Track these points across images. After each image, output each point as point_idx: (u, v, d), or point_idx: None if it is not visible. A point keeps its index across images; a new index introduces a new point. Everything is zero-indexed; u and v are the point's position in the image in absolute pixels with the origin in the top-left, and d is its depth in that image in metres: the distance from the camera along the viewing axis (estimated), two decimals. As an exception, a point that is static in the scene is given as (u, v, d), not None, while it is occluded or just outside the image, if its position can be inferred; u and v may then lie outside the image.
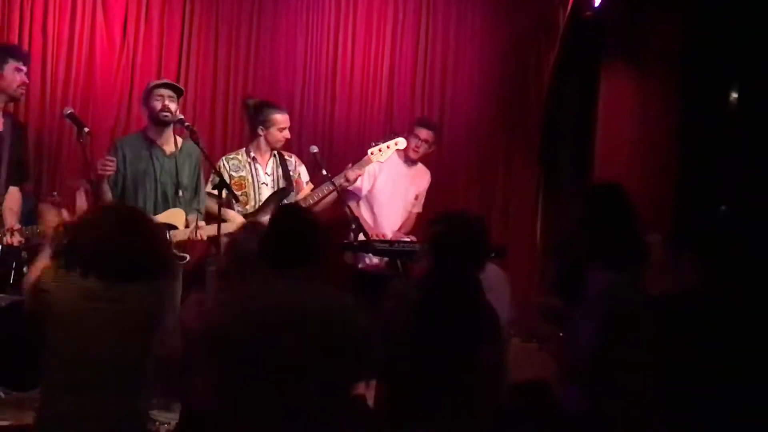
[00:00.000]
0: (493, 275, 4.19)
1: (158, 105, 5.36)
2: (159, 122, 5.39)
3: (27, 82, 4.85)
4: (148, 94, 5.39)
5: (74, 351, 3.35)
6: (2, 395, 5.58)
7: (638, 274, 3.77)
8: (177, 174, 5.44)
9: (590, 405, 3.52)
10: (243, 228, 4.34)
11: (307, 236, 3.49)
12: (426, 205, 6.88)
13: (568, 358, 3.68)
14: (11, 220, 4.81)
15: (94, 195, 5.20)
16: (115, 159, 5.19)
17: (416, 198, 6.65)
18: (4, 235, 4.74)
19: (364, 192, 6.44)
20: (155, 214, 5.34)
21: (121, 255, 3.33)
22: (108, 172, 5.12)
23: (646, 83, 7.59)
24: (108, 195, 5.22)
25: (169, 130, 5.44)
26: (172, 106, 5.40)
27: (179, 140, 5.50)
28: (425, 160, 6.83)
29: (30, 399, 5.59)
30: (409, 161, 6.56)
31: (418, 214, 6.72)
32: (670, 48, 7.40)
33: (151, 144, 5.42)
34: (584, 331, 3.55)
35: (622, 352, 3.54)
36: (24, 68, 4.80)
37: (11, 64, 4.77)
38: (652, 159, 7.47)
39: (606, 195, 3.85)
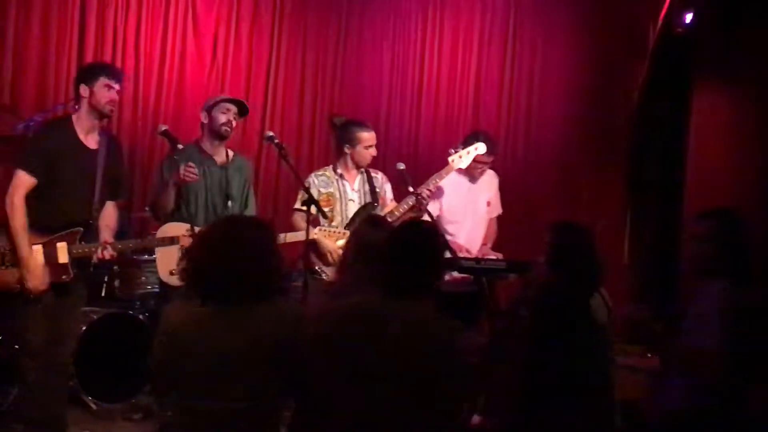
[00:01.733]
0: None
1: (223, 118, 5.40)
2: (217, 135, 5.44)
3: (116, 99, 4.89)
4: (214, 106, 5.44)
5: (198, 383, 3.25)
6: (93, 407, 5.69)
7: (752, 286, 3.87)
8: (227, 185, 5.48)
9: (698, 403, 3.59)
10: (366, 221, 4.39)
11: (431, 258, 3.47)
12: (514, 218, 6.81)
13: (697, 363, 3.71)
14: (106, 236, 4.89)
15: (165, 200, 5.25)
16: (195, 167, 5.24)
17: (489, 204, 6.55)
18: (98, 249, 4.83)
19: (435, 215, 6.38)
20: (204, 224, 5.29)
21: (235, 279, 3.24)
22: (190, 179, 5.18)
23: (739, 100, 7.41)
24: (170, 202, 5.27)
25: (223, 144, 5.50)
26: (234, 122, 5.45)
27: (230, 153, 5.54)
28: (505, 173, 6.74)
29: (119, 410, 5.71)
30: (474, 180, 6.45)
31: (499, 217, 6.65)
32: (764, 63, 7.22)
33: (204, 155, 5.46)
34: (710, 337, 3.66)
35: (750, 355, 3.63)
36: (115, 86, 4.84)
37: (102, 81, 4.82)
38: (745, 176, 7.28)
39: (732, 217, 3.99)
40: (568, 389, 3.38)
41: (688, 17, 7.05)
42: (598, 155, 7.91)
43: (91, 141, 4.89)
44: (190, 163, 5.17)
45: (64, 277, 4.74)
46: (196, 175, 5.16)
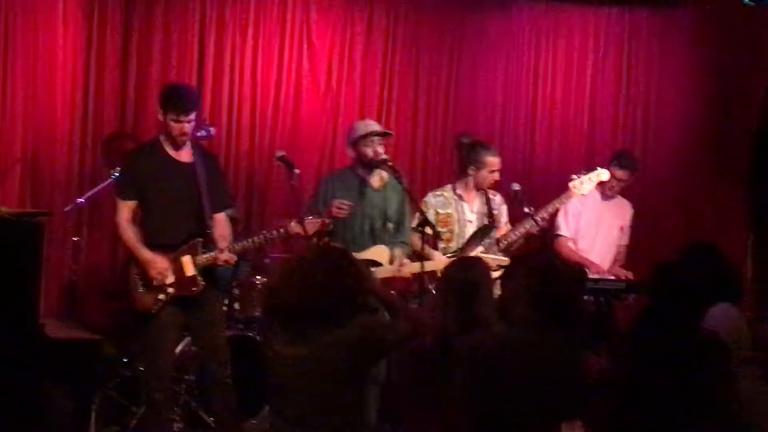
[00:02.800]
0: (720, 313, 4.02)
1: (369, 152, 5.51)
2: (368, 165, 5.54)
3: (186, 131, 4.95)
4: (360, 140, 5.53)
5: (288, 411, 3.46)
6: (214, 426, 5.78)
7: None
8: (386, 208, 5.55)
9: None
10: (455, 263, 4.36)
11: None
12: (633, 239, 6.73)
13: None
14: (222, 245, 5.01)
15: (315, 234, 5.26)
16: (350, 204, 5.34)
17: (621, 230, 6.51)
18: (218, 255, 4.93)
19: (572, 233, 6.38)
20: (362, 248, 5.47)
21: (314, 305, 3.38)
22: (343, 214, 5.29)
23: None
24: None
25: (376, 169, 5.58)
26: (380, 150, 5.53)
27: (385, 175, 5.61)
28: (626, 191, 6.67)
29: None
30: (607, 197, 6.44)
31: (627, 246, 6.60)
32: None
33: (360, 179, 5.56)
34: None
35: None
36: (183, 119, 4.90)
37: (168, 115, 4.95)
38: None
39: None
40: None
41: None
42: (719, 173, 7.72)
43: (185, 155, 5.03)
44: (344, 202, 5.27)
45: (194, 289, 4.91)
46: (348, 210, 5.26)
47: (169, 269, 4.89)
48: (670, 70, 7.80)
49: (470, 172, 5.84)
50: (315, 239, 5.10)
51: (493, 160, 5.85)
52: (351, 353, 3.39)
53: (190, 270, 4.92)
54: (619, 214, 6.52)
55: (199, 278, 4.92)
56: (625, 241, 6.57)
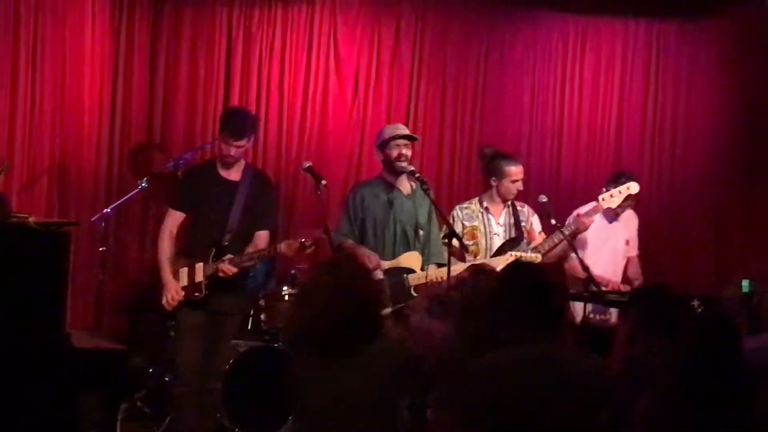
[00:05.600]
0: None
1: (394, 153, 5.47)
2: (394, 169, 5.52)
3: (233, 155, 5.26)
4: (386, 142, 5.51)
5: None
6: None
7: None
8: (416, 214, 5.53)
9: None
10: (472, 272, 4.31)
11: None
12: (659, 255, 6.66)
13: None
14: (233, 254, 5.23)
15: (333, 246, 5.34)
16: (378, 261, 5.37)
17: (627, 243, 6.43)
18: (219, 266, 5.14)
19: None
20: (395, 255, 5.46)
21: (329, 332, 3.30)
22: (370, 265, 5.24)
23: None
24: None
25: (404, 175, 5.57)
26: (407, 153, 5.51)
27: (413, 183, 5.60)
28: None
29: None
30: (612, 219, 6.32)
31: (643, 256, 6.52)
32: None
33: (390, 186, 5.54)
34: None
35: None
36: (233, 143, 5.22)
37: (222, 137, 5.31)
38: None
39: None
40: None
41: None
42: (750, 186, 7.63)
43: (234, 174, 5.36)
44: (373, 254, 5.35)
45: (196, 294, 5.22)
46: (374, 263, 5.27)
47: (180, 294, 5.24)
48: (699, 82, 7.74)
49: (493, 182, 5.82)
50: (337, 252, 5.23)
51: (514, 170, 5.81)
52: (389, 372, 3.30)
53: (199, 276, 5.22)
54: (624, 228, 6.42)
55: (203, 286, 5.19)
56: (633, 252, 6.47)
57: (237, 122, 5.35)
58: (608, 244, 6.30)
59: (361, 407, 3.28)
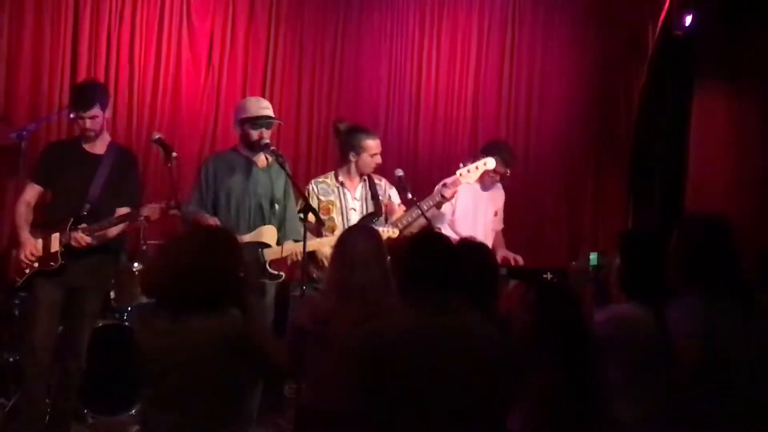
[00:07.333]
0: None
1: (255, 135, 5.39)
2: (252, 147, 5.43)
3: (89, 126, 5.18)
4: (247, 121, 5.39)
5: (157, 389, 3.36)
6: (90, 420, 5.63)
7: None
8: (273, 188, 5.45)
9: None
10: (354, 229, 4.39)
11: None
12: (516, 227, 6.78)
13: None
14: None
15: (184, 220, 5.29)
16: None
17: (495, 215, 6.53)
18: (72, 234, 5.06)
19: (447, 220, 6.32)
20: (251, 229, 5.37)
21: (183, 287, 3.30)
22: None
23: (741, 102, 7.35)
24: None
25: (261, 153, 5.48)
26: (266, 134, 5.42)
27: (269, 157, 5.50)
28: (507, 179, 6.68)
29: (118, 423, 5.62)
30: (486, 187, 6.41)
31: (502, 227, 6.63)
32: (766, 66, 7.15)
33: (246, 160, 5.43)
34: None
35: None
36: (84, 114, 5.15)
37: (73, 114, 5.24)
38: (749, 179, 7.21)
39: (708, 230, 3.61)
40: None
41: (688, 20, 6.99)
42: (600, 161, 7.85)
43: (98, 148, 5.30)
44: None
45: (51, 263, 5.10)
46: None
47: (39, 251, 5.11)
48: (553, 57, 7.87)
49: (351, 158, 5.72)
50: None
51: (372, 144, 5.74)
52: (222, 345, 3.27)
53: (55, 246, 5.10)
54: (493, 199, 6.52)
55: (59, 256, 5.08)
56: (499, 225, 6.57)
57: (83, 93, 5.25)
58: (480, 213, 6.38)
59: (200, 369, 3.27)
